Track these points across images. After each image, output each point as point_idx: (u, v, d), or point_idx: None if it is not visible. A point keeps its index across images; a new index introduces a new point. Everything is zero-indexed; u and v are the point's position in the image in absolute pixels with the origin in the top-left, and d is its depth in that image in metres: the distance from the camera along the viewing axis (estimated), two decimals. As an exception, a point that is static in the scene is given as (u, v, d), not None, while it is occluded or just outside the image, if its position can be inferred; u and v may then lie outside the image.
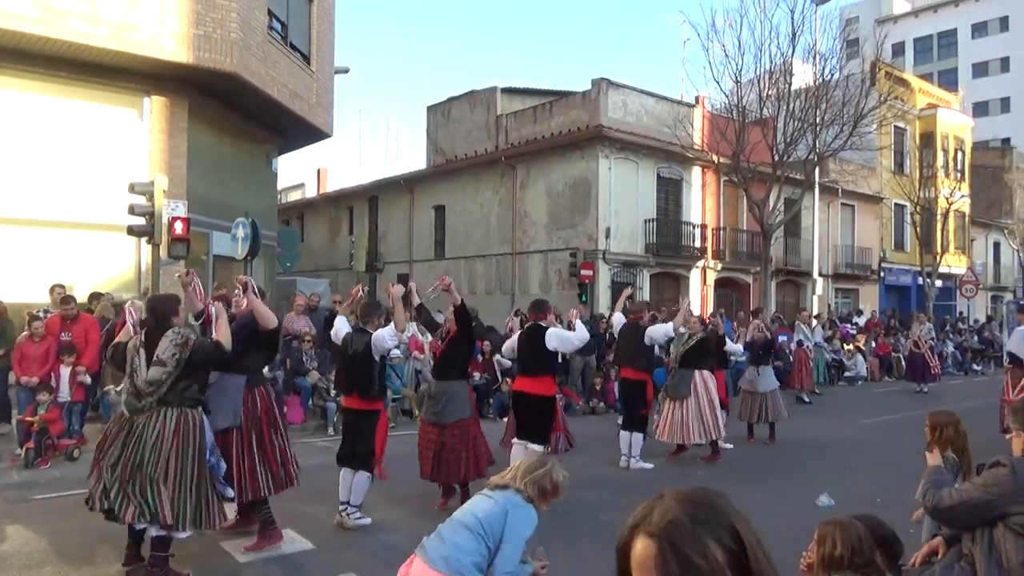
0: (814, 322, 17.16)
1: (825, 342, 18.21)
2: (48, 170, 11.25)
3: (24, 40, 10.27)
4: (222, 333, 4.78)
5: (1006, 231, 34.38)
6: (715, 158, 20.41)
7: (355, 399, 5.86)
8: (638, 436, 8.34)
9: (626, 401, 8.71)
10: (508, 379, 12.20)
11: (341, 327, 6.01)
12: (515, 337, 7.32)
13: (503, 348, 7.53)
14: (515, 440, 7.00)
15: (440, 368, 6.56)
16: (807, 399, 14.69)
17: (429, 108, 27.53)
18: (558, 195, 21.00)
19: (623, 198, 20.39)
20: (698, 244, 22.06)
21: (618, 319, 9.15)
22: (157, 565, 4.51)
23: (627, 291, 9.55)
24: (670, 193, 21.94)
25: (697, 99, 22.84)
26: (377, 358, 5.87)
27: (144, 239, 10.37)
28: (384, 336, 5.82)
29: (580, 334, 7.06)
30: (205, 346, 4.70)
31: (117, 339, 4.99)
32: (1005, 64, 49.67)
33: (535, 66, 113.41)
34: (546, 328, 6.99)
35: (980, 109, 47.02)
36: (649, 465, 8.33)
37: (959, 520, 3.20)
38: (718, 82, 20.58)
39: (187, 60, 11.28)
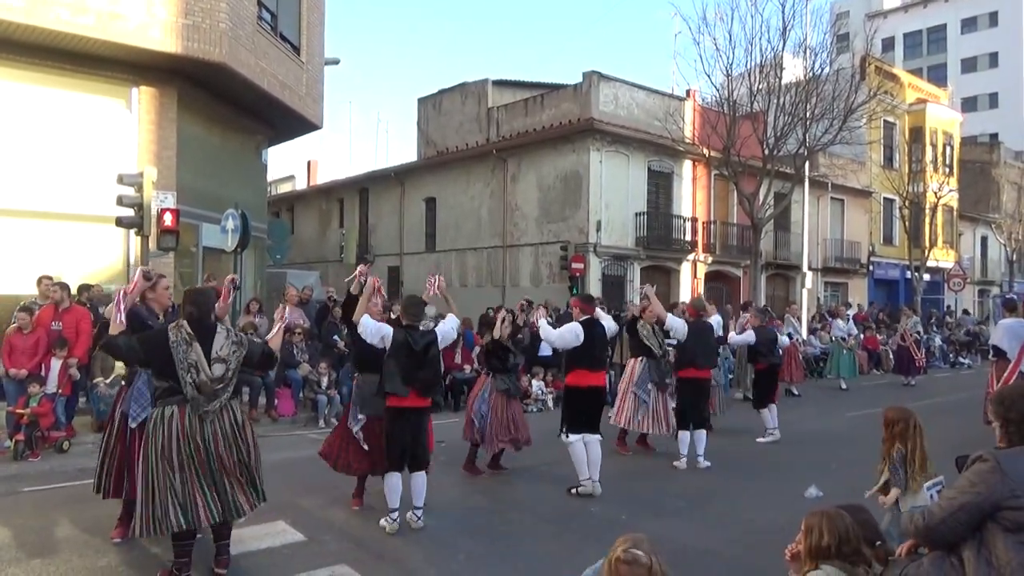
0: (801, 316, 17.20)
1: (813, 335, 18.35)
2: (35, 161, 11.14)
3: (8, 29, 10.15)
4: (275, 341, 4.93)
5: (993, 226, 34.64)
6: (706, 152, 20.40)
7: (414, 397, 5.59)
8: (702, 433, 8.12)
9: (688, 400, 8.20)
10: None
11: (376, 326, 5.65)
12: (574, 328, 6.86)
13: (555, 339, 6.94)
14: (571, 435, 6.73)
15: (372, 362, 5.96)
16: (796, 391, 14.82)
17: (420, 100, 27.41)
18: (549, 188, 21.00)
19: (614, 191, 20.41)
20: (689, 237, 22.13)
21: (676, 321, 8.13)
22: (227, 552, 4.66)
23: (650, 288, 8.47)
24: (661, 186, 21.99)
25: (688, 93, 22.86)
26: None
27: (133, 231, 10.31)
28: (451, 330, 5.96)
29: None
30: (257, 349, 4.75)
31: (114, 330, 4.51)
32: (994, 59, 50.02)
33: (526, 59, 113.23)
34: (599, 321, 7.18)
35: (969, 104, 47.30)
36: (708, 463, 8.05)
37: (957, 530, 2.98)
38: (709, 76, 20.48)
39: (175, 50, 11.18)
